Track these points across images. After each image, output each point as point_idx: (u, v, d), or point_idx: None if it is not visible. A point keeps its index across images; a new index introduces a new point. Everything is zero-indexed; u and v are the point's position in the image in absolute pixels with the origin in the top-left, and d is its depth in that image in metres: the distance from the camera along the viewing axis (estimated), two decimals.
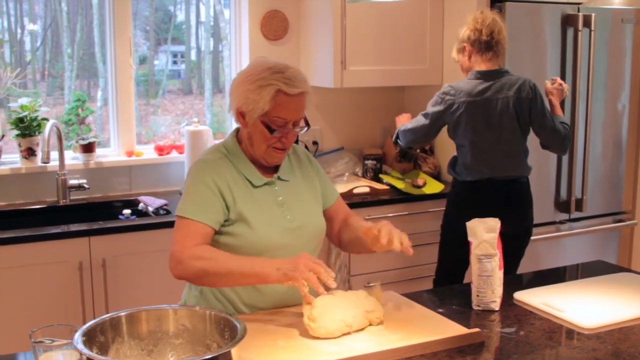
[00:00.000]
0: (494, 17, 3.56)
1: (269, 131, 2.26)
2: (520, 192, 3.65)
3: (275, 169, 2.40)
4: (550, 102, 3.68)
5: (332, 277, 2.08)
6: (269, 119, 2.25)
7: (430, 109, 3.65)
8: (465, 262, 3.60)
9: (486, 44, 3.53)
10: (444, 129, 3.70)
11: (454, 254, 3.70)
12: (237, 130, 2.42)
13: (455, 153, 3.73)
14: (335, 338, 2.05)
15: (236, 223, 2.27)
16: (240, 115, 2.31)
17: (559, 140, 3.60)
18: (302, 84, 2.27)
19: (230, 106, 2.35)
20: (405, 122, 3.91)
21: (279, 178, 2.39)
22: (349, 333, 2.08)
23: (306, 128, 2.37)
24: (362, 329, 2.12)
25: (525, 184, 3.67)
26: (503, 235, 3.58)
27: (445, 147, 4.36)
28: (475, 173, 3.61)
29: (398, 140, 3.90)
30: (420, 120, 3.70)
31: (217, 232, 2.27)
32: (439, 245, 3.80)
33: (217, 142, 4.28)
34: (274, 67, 2.26)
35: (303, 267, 2.06)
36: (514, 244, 3.57)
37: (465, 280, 3.69)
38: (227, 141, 2.41)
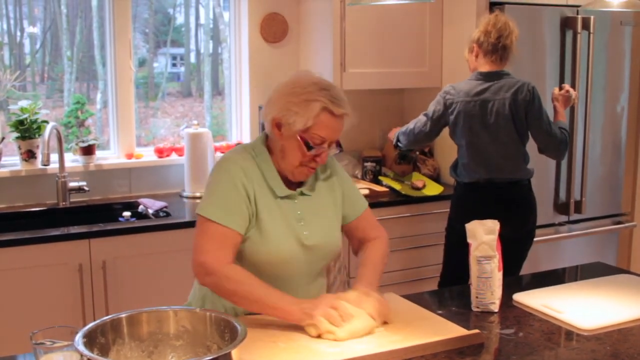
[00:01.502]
0: (507, 21, 3.56)
1: (307, 148, 2.21)
2: (521, 195, 3.64)
3: (299, 182, 2.35)
4: (554, 107, 3.70)
5: (346, 319, 2.07)
6: (309, 135, 2.20)
7: (432, 108, 3.68)
8: (466, 265, 3.60)
9: (492, 46, 3.54)
10: (445, 130, 3.70)
11: (457, 256, 3.70)
12: (266, 137, 2.34)
13: (456, 155, 3.73)
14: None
15: (254, 228, 2.24)
16: (276, 126, 2.24)
17: (555, 145, 3.59)
18: (346, 105, 2.22)
19: (265, 115, 2.27)
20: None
21: (301, 193, 2.34)
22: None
23: (339, 150, 2.33)
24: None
25: (526, 187, 3.65)
26: (504, 237, 3.58)
27: (445, 149, 4.37)
28: (473, 174, 3.61)
29: (399, 144, 3.91)
30: (421, 120, 3.73)
31: None
32: (443, 248, 3.79)
33: (216, 144, 4.30)
34: (319, 84, 2.22)
35: (323, 305, 2.07)
36: (514, 247, 3.56)
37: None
38: (255, 144, 2.34)
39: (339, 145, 2.33)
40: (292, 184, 2.33)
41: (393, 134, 4.01)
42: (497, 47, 3.54)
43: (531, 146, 3.65)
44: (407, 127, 3.80)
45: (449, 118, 3.63)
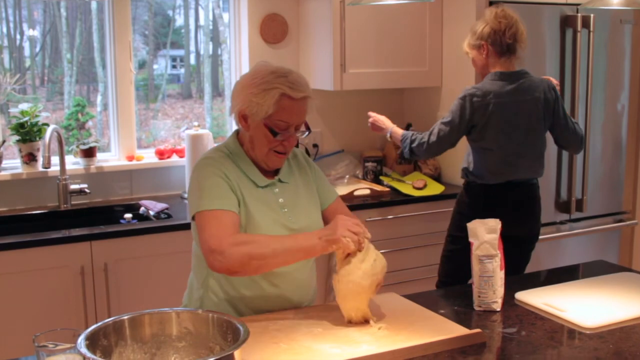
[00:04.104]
0: (516, 17, 3.45)
1: (272, 134, 2.27)
2: (534, 194, 3.59)
3: (276, 171, 2.42)
4: None
5: (368, 235, 2.21)
6: (272, 122, 2.27)
7: (456, 113, 3.45)
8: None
9: (508, 46, 3.43)
10: None
11: (463, 259, 3.67)
12: (238, 132, 2.43)
13: (465, 156, 3.63)
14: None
15: (242, 218, 2.27)
16: (243, 118, 2.32)
17: (577, 140, 3.58)
18: (305, 88, 2.29)
19: (231, 109, 2.36)
20: (386, 121, 3.83)
21: (279, 180, 2.40)
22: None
23: (307, 132, 2.39)
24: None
25: (535, 185, 3.60)
26: (518, 238, 3.55)
27: None
28: (499, 176, 3.49)
29: (413, 156, 3.69)
30: (443, 129, 3.48)
31: None
32: (444, 249, 3.71)
33: (217, 145, 4.30)
34: (277, 72, 2.28)
35: (342, 228, 2.15)
36: (525, 247, 3.55)
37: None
38: (227, 142, 2.42)
39: (307, 128, 2.39)
40: (269, 174, 2.40)
41: (376, 121, 3.89)
42: (513, 48, 3.44)
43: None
44: (424, 139, 3.55)
45: (479, 120, 3.43)
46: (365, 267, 2.16)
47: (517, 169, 3.50)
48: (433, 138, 3.51)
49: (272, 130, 2.27)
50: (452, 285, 3.65)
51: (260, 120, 2.26)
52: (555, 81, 3.66)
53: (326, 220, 2.50)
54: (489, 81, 3.46)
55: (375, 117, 3.89)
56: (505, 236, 3.45)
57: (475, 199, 3.57)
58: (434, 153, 3.63)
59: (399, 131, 3.74)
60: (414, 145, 3.60)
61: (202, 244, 2.19)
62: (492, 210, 3.41)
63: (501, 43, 3.42)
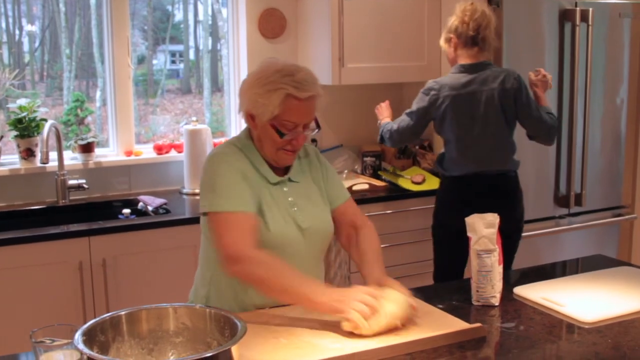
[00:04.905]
0: (484, 10, 3.54)
1: (279, 135, 2.24)
2: (509, 186, 3.62)
3: (286, 169, 2.38)
4: (535, 93, 3.65)
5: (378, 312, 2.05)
6: (279, 122, 2.23)
7: (415, 106, 3.63)
8: (459, 259, 3.60)
9: (472, 38, 3.52)
10: (430, 125, 3.69)
11: (446, 251, 3.70)
12: (250, 128, 2.39)
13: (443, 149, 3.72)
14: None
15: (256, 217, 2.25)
16: (250, 118, 2.29)
17: (545, 130, 3.58)
18: (312, 86, 2.23)
19: (239, 107, 2.33)
20: (385, 112, 3.91)
21: (289, 179, 2.37)
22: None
23: (317, 130, 2.35)
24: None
25: (513, 178, 3.63)
26: None
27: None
28: (463, 167, 3.58)
29: (383, 141, 3.86)
30: (405, 119, 3.67)
31: None
32: (432, 244, 3.79)
33: (215, 140, 4.30)
34: (283, 70, 2.23)
35: (355, 300, 2.04)
36: (504, 240, 3.54)
37: (465, 276, 3.69)
38: (240, 137, 2.39)
39: (317, 125, 2.35)
40: (279, 172, 2.37)
41: (381, 109, 3.96)
42: (476, 40, 3.52)
43: (520, 138, 3.63)
44: (392, 128, 3.73)
45: (435, 114, 3.58)
46: (375, 327, 2.05)
47: (479, 160, 3.57)
48: (395, 127, 3.71)
49: (279, 131, 2.23)
50: (443, 275, 3.71)
51: (267, 121, 2.23)
52: (535, 75, 3.67)
53: (339, 221, 2.47)
54: (450, 74, 3.60)
55: (381, 106, 3.98)
56: (461, 229, 3.57)
57: (444, 192, 3.71)
58: (397, 141, 3.78)
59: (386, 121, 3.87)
60: (384, 132, 3.79)
61: (220, 249, 2.17)
62: (460, 202, 3.55)
63: (466, 35, 3.52)
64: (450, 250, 3.65)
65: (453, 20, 3.57)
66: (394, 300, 2.11)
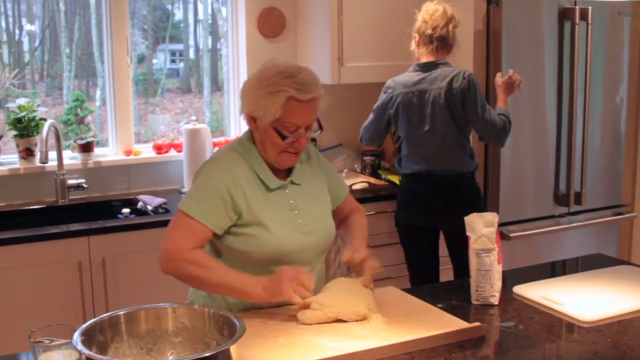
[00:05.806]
0: (445, 9, 3.57)
1: (281, 137, 2.23)
2: (461, 188, 3.60)
3: (288, 172, 2.38)
4: (497, 95, 3.67)
5: (312, 286, 2.16)
6: (281, 124, 2.22)
7: (376, 104, 3.73)
8: (428, 258, 3.67)
9: (428, 37, 3.57)
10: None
11: (408, 249, 3.72)
12: (252, 130, 2.38)
13: None
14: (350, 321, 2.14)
15: (252, 226, 2.25)
16: (252, 120, 2.28)
17: (494, 132, 3.52)
18: (314, 88, 2.22)
19: (241, 109, 2.32)
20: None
21: (291, 182, 2.36)
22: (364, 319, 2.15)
23: (319, 131, 2.36)
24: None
25: (467, 180, 3.61)
26: (444, 234, 3.67)
27: None
28: (414, 165, 3.62)
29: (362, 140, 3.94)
30: (369, 117, 3.78)
31: (231, 235, 2.26)
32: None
33: (215, 140, 4.30)
34: (284, 71, 2.21)
35: (287, 281, 2.11)
36: (457, 243, 3.52)
37: (441, 276, 3.74)
38: (242, 141, 2.37)
39: (320, 126, 2.36)
40: (281, 174, 2.36)
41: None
42: (432, 39, 3.56)
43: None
44: (363, 125, 3.83)
45: (391, 112, 3.65)
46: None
47: (429, 159, 3.58)
48: (364, 123, 3.83)
49: (281, 134, 2.22)
50: (413, 282, 3.74)
51: (269, 123, 2.22)
52: (510, 74, 3.65)
53: (335, 219, 2.49)
54: (406, 72, 3.67)
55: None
56: (416, 227, 3.63)
57: (400, 189, 3.76)
58: (366, 139, 3.87)
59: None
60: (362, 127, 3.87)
61: (164, 243, 2.21)
62: (413, 199, 3.62)
63: (424, 34, 3.59)
64: (408, 248, 3.70)
65: (417, 21, 3.63)
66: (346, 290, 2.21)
